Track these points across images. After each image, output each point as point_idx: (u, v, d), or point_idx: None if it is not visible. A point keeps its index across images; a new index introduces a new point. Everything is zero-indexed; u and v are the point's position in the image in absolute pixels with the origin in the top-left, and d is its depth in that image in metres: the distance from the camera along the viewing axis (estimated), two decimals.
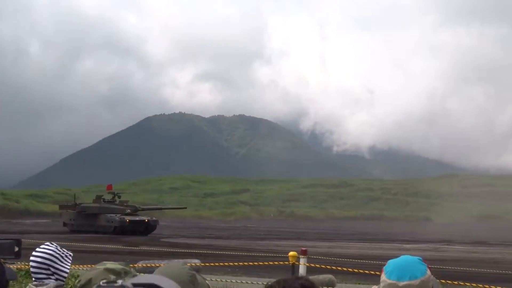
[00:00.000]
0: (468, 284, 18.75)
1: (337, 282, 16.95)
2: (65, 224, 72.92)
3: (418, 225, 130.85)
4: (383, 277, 3.46)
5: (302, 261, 16.95)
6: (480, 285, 18.32)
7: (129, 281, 2.37)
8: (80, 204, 74.14)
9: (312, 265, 18.38)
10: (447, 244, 58.44)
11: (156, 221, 70.38)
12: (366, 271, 17.66)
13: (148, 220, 69.58)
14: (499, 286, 19.35)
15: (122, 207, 71.73)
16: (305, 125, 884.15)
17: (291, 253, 16.69)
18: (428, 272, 3.45)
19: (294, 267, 16.52)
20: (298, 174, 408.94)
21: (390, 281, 3.41)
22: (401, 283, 3.37)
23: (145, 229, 68.47)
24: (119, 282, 2.29)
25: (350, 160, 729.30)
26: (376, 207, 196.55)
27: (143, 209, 75.97)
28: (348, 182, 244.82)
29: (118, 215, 69.26)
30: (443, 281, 18.33)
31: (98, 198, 74.02)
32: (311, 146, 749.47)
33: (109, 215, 69.52)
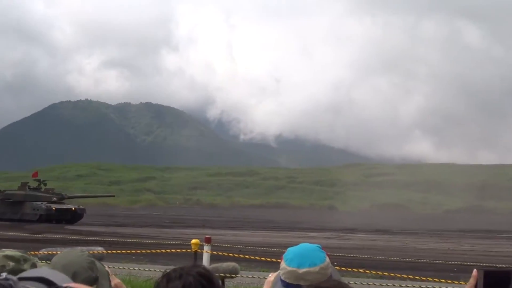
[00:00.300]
0: (368, 271, 19.04)
1: (241, 270, 16.99)
2: None
3: (323, 213, 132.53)
4: (283, 264, 3.49)
5: (206, 249, 16.94)
6: (380, 273, 18.64)
7: (20, 275, 2.31)
8: (4, 191, 71.65)
9: (216, 252, 18.41)
10: (351, 232, 59.32)
11: (83, 210, 68.37)
12: (270, 259, 17.78)
13: (75, 208, 67.71)
14: (400, 274, 19.78)
15: (48, 195, 69.65)
16: (212, 113, 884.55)
17: (193, 241, 16.64)
18: (327, 259, 3.50)
19: (197, 255, 16.51)
20: (205, 162, 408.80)
21: (290, 268, 3.44)
22: (301, 270, 3.42)
23: (71, 217, 66.64)
24: (3, 275, 2.21)
25: (257, 148, 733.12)
26: (282, 195, 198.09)
27: (69, 197, 74.19)
28: (254, 170, 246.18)
29: (44, 203, 67.35)
30: (349, 269, 18.64)
31: (23, 185, 71.63)
32: (218, 134, 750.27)
33: (34, 203, 67.58)
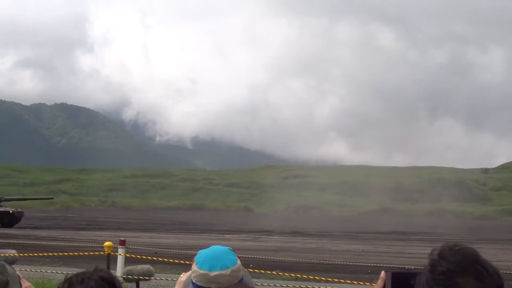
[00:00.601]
0: (282, 273, 19.17)
1: (156, 272, 16.89)
2: None
3: (239, 215, 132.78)
4: (194, 267, 3.49)
5: (120, 251, 16.80)
6: (294, 275, 18.78)
7: None
8: None
9: (131, 255, 18.27)
10: (267, 234, 59.56)
11: (21, 213, 65.31)
12: (185, 261, 17.72)
13: (13, 211, 64.44)
14: (315, 275, 19.93)
15: None
16: (128, 114, 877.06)
17: (106, 244, 16.51)
18: (239, 262, 3.51)
19: (110, 257, 16.35)
20: (120, 164, 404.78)
21: (202, 272, 3.44)
22: (212, 273, 3.42)
23: (9, 220, 63.75)
24: None
25: (173, 150, 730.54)
26: (198, 197, 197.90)
27: (6, 200, 70.95)
28: (170, 172, 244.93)
29: None
30: (263, 271, 18.71)
31: None
32: (134, 135, 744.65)
33: None
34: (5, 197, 72.04)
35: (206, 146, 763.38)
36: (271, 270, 20.33)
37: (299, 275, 18.89)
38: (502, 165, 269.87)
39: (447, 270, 2.33)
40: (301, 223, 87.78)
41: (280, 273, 19.50)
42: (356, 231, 68.90)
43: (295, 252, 36.65)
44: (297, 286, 18.64)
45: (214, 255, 3.49)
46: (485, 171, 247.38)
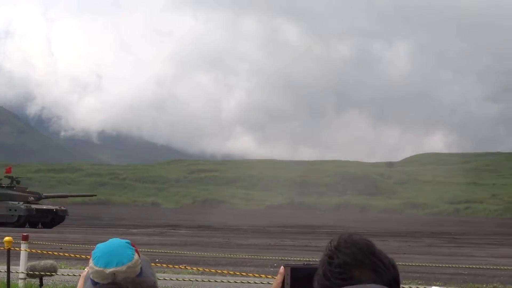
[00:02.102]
0: (189, 268, 19.13)
1: (61, 268, 16.64)
2: None
3: (146, 210, 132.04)
4: (91, 263, 3.42)
5: (23, 247, 16.48)
6: (201, 269, 18.77)
7: None
8: None
9: (35, 251, 17.96)
10: (173, 229, 59.41)
11: (65, 211, 60.41)
12: (88, 256, 17.56)
13: (56, 209, 59.66)
14: (221, 269, 19.96)
15: (24, 194, 61.91)
16: (32, 109, 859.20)
17: (6, 239, 16.14)
18: (136, 256, 3.45)
19: (11, 253, 16.02)
20: (25, 159, 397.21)
21: (97, 268, 3.38)
22: (108, 270, 3.36)
23: (51, 220, 59.28)
24: None
25: (79, 145, 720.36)
26: (105, 192, 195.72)
27: (47, 197, 66.63)
28: (76, 167, 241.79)
29: (20, 203, 59.25)
30: (170, 265, 18.61)
31: None
32: (39, 130, 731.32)
33: (11, 202, 59.13)
34: (45, 194, 67.80)
35: (112, 141, 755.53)
36: (178, 264, 20.27)
37: (206, 269, 18.87)
38: (407, 158, 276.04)
39: (344, 263, 2.31)
40: (208, 217, 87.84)
41: (188, 267, 19.45)
42: (263, 225, 69.33)
43: (201, 246, 36.61)
44: (204, 280, 18.65)
45: (111, 250, 3.42)
46: (390, 164, 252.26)
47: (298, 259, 27.42)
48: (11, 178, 64.30)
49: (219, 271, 19.28)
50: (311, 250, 35.04)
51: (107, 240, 3.50)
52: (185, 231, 55.92)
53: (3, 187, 62.15)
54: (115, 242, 3.50)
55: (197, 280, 18.45)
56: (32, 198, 61.72)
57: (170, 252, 27.54)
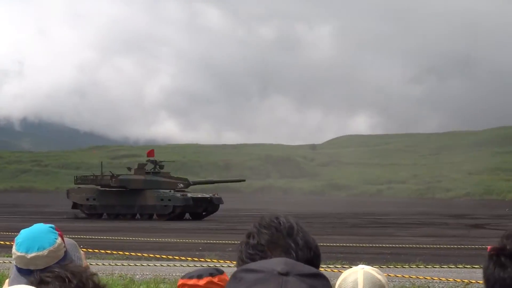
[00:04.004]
0: (115, 252, 19.08)
1: None
2: (76, 206, 55.58)
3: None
4: (14, 249, 3.40)
5: None
6: (127, 253, 18.74)
7: None
8: (118, 176, 55.04)
9: None
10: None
11: (220, 199, 53.87)
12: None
13: (210, 197, 53.58)
14: (147, 253, 19.97)
15: (173, 181, 55.82)
16: None
17: None
18: (59, 240, 3.42)
19: None
20: None
21: (19, 254, 3.34)
22: (29, 255, 3.33)
23: (204, 210, 53.88)
24: None
25: (0, 133, 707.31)
26: (27, 179, 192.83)
27: (195, 183, 60.51)
28: None
29: (171, 191, 53.21)
30: (96, 250, 18.54)
31: (141, 168, 56.49)
32: None
33: (162, 191, 53.02)
34: (193, 181, 61.15)
35: (35, 128, 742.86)
36: (104, 249, 20.19)
37: (133, 253, 18.85)
38: (330, 140, 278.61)
39: (257, 244, 2.28)
40: None
41: (114, 252, 19.38)
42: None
43: (126, 231, 36.47)
44: (131, 264, 18.63)
45: (33, 235, 3.38)
46: (313, 147, 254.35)
47: (224, 242, 27.61)
48: (154, 162, 57.32)
49: (146, 254, 19.31)
50: (236, 234, 35.25)
51: (31, 226, 3.48)
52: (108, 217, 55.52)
53: (149, 173, 55.57)
54: (38, 227, 3.46)
55: (123, 265, 18.42)
56: (181, 185, 55.40)
57: (95, 238, 27.41)
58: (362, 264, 3.55)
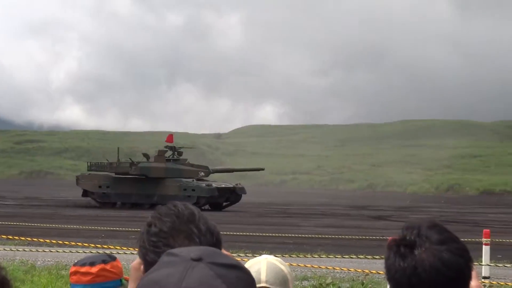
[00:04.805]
0: (17, 238, 18.77)
1: None
2: (86, 193, 53.10)
3: None
4: None
5: None
6: (29, 239, 18.46)
7: None
8: (138, 163, 51.91)
9: None
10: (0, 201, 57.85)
11: (243, 189, 51.25)
12: None
13: (234, 187, 50.85)
14: (49, 239, 19.69)
15: (194, 169, 52.39)
16: None
17: None
18: None
19: None
20: None
21: None
22: None
23: (226, 200, 51.08)
24: None
25: None
26: None
27: (217, 171, 56.94)
28: None
29: (193, 180, 50.45)
30: None
31: (161, 155, 52.75)
32: None
33: (184, 180, 50.16)
34: (213, 169, 57.03)
35: None
36: (6, 235, 19.85)
37: (35, 239, 18.55)
38: (236, 129, 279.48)
39: (160, 231, 2.27)
40: (35, 189, 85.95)
41: (16, 238, 19.06)
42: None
43: (28, 218, 35.91)
44: (33, 250, 18.35)
45: None
46: (218, 136, 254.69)
47: (126, 229, 27.47)
48: (173, 148, 53.80)
49: (49, 240, 19.06)
50: (138, 221, 35.08)
51: None
52: (11, 203, 54.54)
53: (169, 160, 52.25)
54: None
55: (24, 251, 18.14)
56: (202, 173, 52.13)
57: None
58: (266, 253, 3.58)
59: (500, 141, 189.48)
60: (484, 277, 14.37)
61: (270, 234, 28.63)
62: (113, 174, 52.51)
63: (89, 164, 57.13)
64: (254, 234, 27.95)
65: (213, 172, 54.04)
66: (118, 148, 57.34)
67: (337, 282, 14.12)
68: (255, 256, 3.44)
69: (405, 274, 2.08)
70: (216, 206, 50.10)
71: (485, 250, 14.45)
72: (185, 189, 49.30)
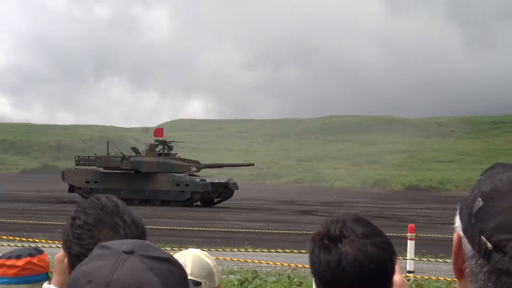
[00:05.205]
0: None
1: None
2: (73, 189, 50.97)
3: None
4: None
5: None
6: None
7: None
8: (129, 157, 50.08)
9: None
10: None
11: (235, 185, 50.05)
12: None
13: (227, 182, 49.94)
14: None
15: (185, 164, 50.88)
16: None
17: None
18: None
19: None
20: None
21: None
22: None
23: (219, 196, 50.02)
24: None
25: None
26: None
27: (207, 166, 55.28)
28: None
29: (185, 175, 49.13)
30: None
31: (152, 149, 50.78)
32: None
33: (177, 175, 48.82)
34: (204, 163, 54.60)
35: None
36: None
37: None
38: (163, 124, 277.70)
39: (84, 223, 2.27)
40: None
41: None
42: (15, 189, 67.51)
43: None
44: None
45: None
46: (146, 129, 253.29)
47: (52, 223, 27.14)
48: (164, 142, 52.12)
49: None
50: (66, 215, 34.71)
51: None
52: None
53: (161, 154, 50.61)
54: None
55: None
56: (194, 168, 50.99)
57: None
58: (192, 247, 3.58)
59: (426, 137, 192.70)
60: (409, 271, 14.60)
61: (197, 228, 28.63)
62: (101, 169, 51.27)
63: (77, 158, 53.94)
64: (181, 228, 27.92)
65: (203, 167, 53.09)
66: (108, 142, 54.75)
67: (263, 276, 14.19)
68: (182, 250, 3.45)
69: (329, 267, 2.09)
70: (208, 202, 49.40)
71: (410, 244, 14.68)
72: (178, 184, 48.29)
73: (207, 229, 28.95)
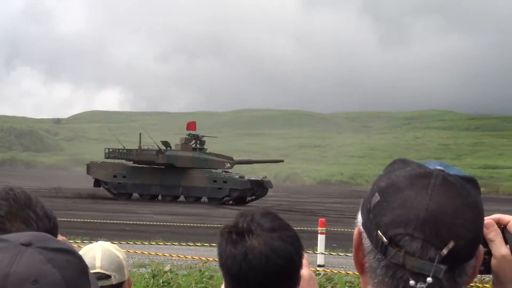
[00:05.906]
0: None
1: None
2: (98, 183, 48.70)
3: None
4: None
5: None
6: None
7: None
8: (165, 150, 47.58)
9: None
10: None
11: (269, 183, 47.72)
12: None
13: (262, 180, 47.19)
14: None
15: (220, 159, 48.42)
16: None
17: None
18: None
19: None
20: None
21: None
22: None
23: (253, 194, 47.28)
24: None
25: None
26: None
27: (240, 162, 52.94)
28: None
29: (220, 171, 46.65)
30: None
31: (186, 143, 48.23)
32: None
33: (214, 171, 46.24)
34: (236, 159, 52.24)
35: None
36: None
37: None
38: (75, 115, 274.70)
39: None
40: None
41: None
42: None
43: None
44: None
45: None
46: (57, 121, 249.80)
47: None
48: (196, 137, 49.46)
49: None
50: None
51: None
52: None
53: (195, 149, 48.12)
54: None
55: None
56: (228, 164, 48.65)
57: None
58: (102, 240, 3.57)
59: (338, 132, 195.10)
60: (319, 265, 14.72)
61: (108, 221, 28.37)
62: (130, 163, 49.14)
63: (107, 151, 50.51)
64: (92, 220, 27.63)
65: (236, 163, 51.26)
66: (140, 134, 50.48)
67: (175, 269, 14.17)
68: (92, 243, 3.44)
69: (236, 261, 2.12)
70: (241, 199, 47.08)
71: (320, 238, 14.82)
72: (215, 181, 46.15)
73: (117, 221, 28.73)
